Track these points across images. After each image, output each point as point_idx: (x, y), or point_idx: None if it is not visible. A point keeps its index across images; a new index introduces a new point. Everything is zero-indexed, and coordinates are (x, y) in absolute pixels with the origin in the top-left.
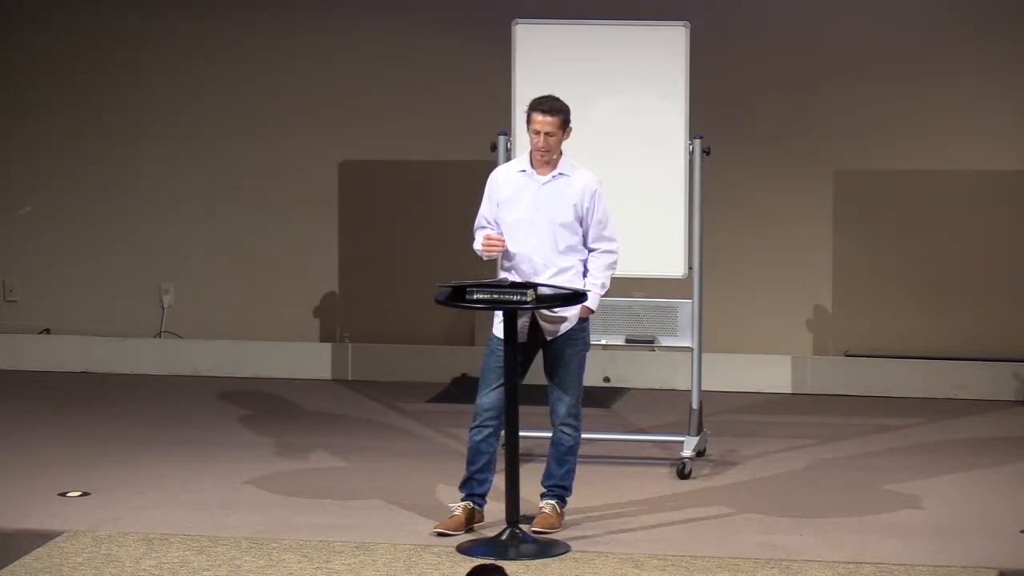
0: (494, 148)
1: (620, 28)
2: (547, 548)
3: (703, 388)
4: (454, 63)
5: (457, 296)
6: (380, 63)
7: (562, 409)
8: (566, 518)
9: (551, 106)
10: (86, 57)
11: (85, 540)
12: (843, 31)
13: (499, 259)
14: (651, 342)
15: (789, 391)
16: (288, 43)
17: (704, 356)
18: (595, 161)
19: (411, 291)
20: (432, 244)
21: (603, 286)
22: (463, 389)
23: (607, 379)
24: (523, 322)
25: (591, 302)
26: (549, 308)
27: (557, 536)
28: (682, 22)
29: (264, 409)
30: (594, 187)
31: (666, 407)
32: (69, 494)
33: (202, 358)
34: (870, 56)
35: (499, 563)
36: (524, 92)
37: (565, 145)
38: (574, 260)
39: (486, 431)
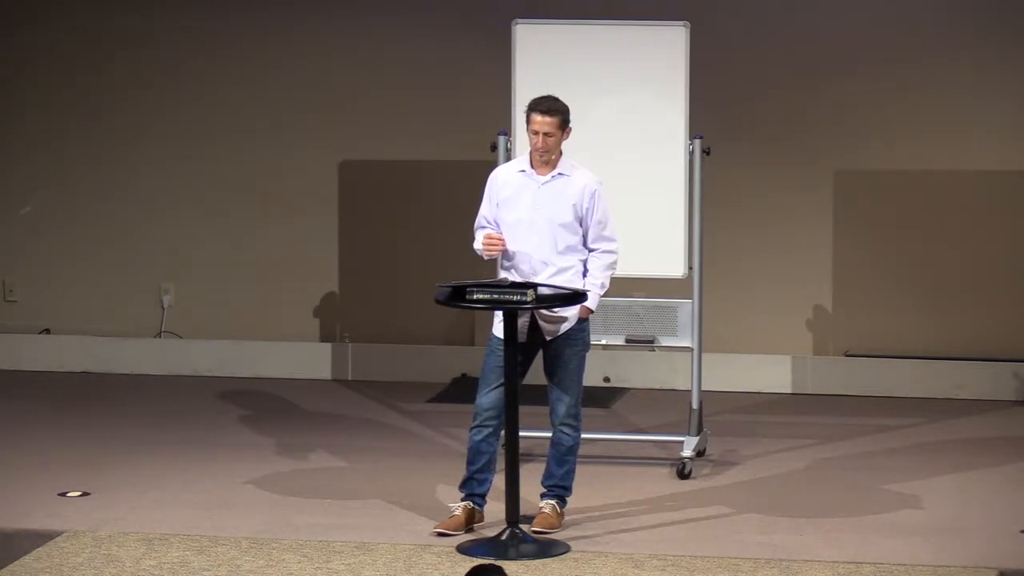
0: (494, 148)
1: (620, 28)
2: (547, 548)
3: (703, 388)
4: (454, 63)
5: (457, 296)
6: (380, 63)
7: (562, 409)
8: (566, 518)
9: (549, 107)
10: (86, 57)
11: (85, 540)
12: (843, 31)
13: (499, 259)
14: (651, 342)
15: (789, 391)
16: (288, 43)
17: (704, 356)
18: (595, 161)
19: (411, 291)
20: (432, 244)
21: (603, 286)
22: (463, 389)
23: (607, 379)
24: (523, 322)
25: (591, 302)
26: (549, 308)
27: (557, 536)
28: (682, 22)
29: (264, 409)
30: (594, 187)
31: (666, 407)
32: (69, 494)
33: (202, 358)
34: (870, 56)
35: (499, 563)
36: (524, 92)
37: (565, 145)
38: (574, 260)
39: (486, 431)
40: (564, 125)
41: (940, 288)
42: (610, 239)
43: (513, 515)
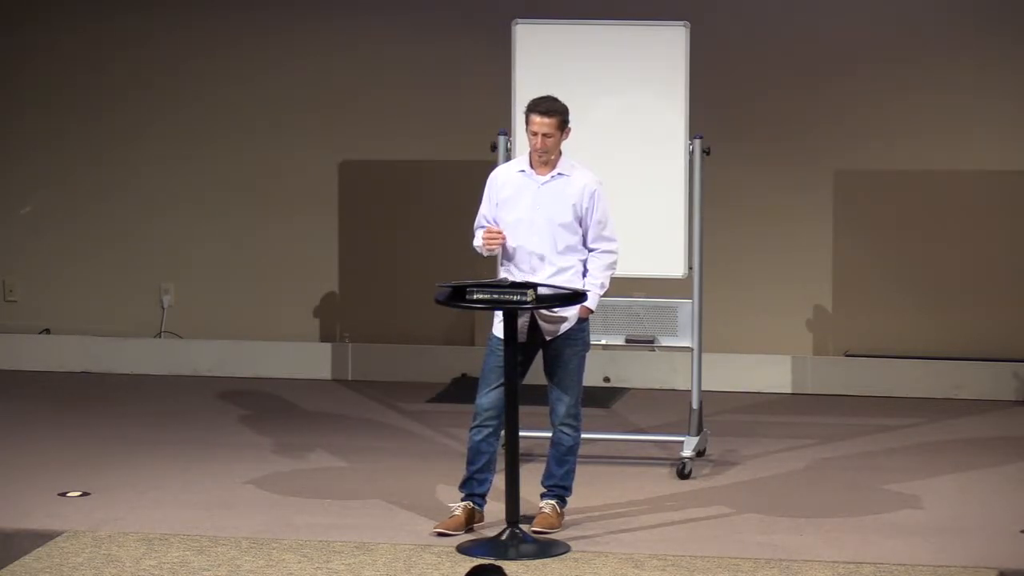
0: (494, 148)
1: (620, 28)
2: (547, 548)
3: (703, 388)
4: (454, 63)
5: (457, 296)
6: (380, 63)
7: (562, 409)
8: (566, 518)
9: (548, 107)
10: (86, 57)
11: (85, 540)
12: (843, 31)
13: (499, 259)
14: (651, 342)
15: (789, 391)
16: (288, 43)
17: (704, 356)
18: (595, 161)
19: (411, 291)
20: (432, 244)
21: (602, 286)
22: (463, 389)
23: (607, 379)
24: (523, 322)
25: (590, 302)
26: (549, 308)
27: (557, 536)
28: (682, 22)
29: (264, 409)
30: (593, 187)
31: (666, 407)
32: (69, 494)
33: (202, 358)
34: (870, 56)
35: (499, 563)
36: (524, 92)
37: (565, 145)
38: (573, 260)
39: (486, 431)
40: (563, 126)
41: (940, 288)
42: (610, 239)
43: (513, 515)
